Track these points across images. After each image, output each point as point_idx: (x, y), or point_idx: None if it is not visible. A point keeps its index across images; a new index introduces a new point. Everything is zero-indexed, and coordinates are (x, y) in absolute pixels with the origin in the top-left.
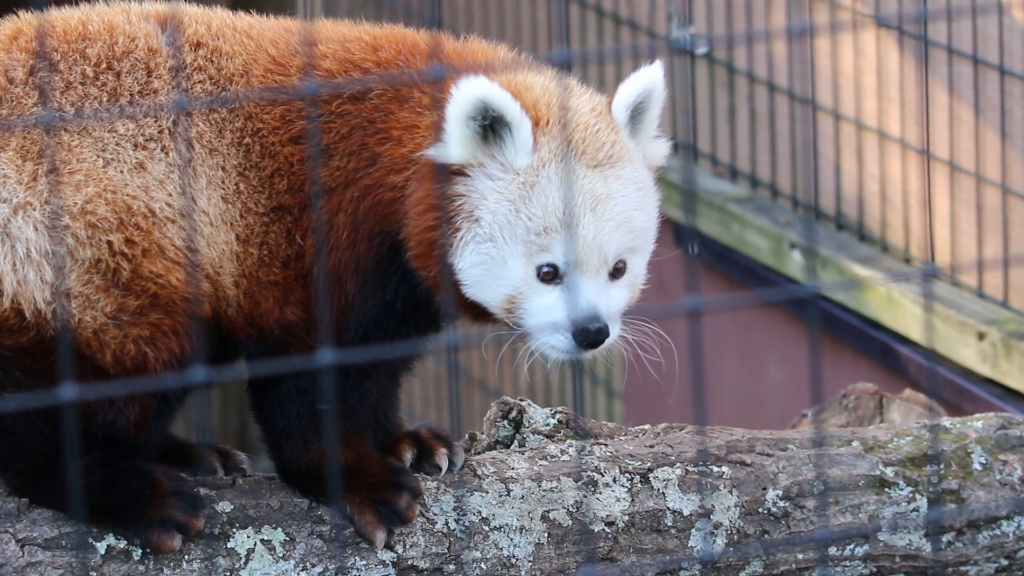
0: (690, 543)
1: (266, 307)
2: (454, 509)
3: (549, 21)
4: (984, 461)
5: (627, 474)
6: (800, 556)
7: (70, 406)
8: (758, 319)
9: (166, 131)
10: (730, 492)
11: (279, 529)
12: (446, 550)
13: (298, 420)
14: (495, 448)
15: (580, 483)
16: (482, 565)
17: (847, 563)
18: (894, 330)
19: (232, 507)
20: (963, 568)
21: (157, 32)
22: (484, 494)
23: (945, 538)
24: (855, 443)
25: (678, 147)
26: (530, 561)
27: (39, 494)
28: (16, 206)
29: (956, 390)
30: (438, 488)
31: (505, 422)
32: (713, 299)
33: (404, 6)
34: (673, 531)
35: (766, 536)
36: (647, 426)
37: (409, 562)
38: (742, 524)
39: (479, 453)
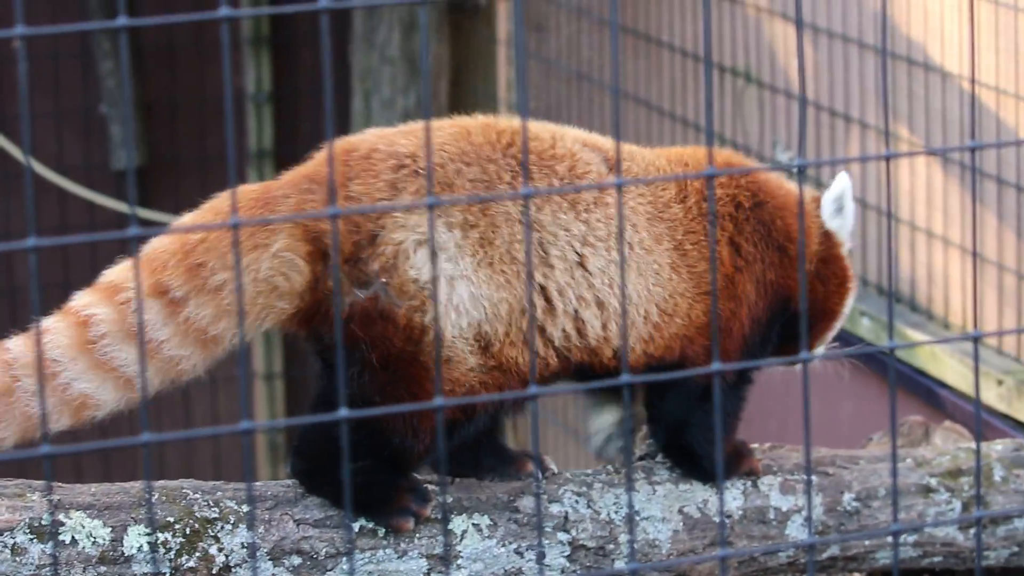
0: (787, 532)
1: (673, 350)
2: (613, 504)
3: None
4: (1003, 474)
5: (741, 479)
6: (867, 543)
7: (348, 423)
8: (836, 367)
9: (613, 236)
10: (817, 494)
11: (485, 516)
12: (608, 534)
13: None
14: (644, 459)
15: (707, 486)
16: (634, 545)
17: (902, 548)
18: (936, 377)
19: (452, 499)
20: (986, 552)
21: (601, 160)
22: (636, 493)
23: (972, 531)
24: (908, 460)
25: None
26: (669, 543)
27: (314, 486)
28: (459, 275)
29: (982, 423)
30: (602, 488)
31: (652, 440)
32: (820, 353)
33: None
34: (775, 523)
35: (842, 527)
36: (756, 444)
37: (580, 542)
38: (825, 519)
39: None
